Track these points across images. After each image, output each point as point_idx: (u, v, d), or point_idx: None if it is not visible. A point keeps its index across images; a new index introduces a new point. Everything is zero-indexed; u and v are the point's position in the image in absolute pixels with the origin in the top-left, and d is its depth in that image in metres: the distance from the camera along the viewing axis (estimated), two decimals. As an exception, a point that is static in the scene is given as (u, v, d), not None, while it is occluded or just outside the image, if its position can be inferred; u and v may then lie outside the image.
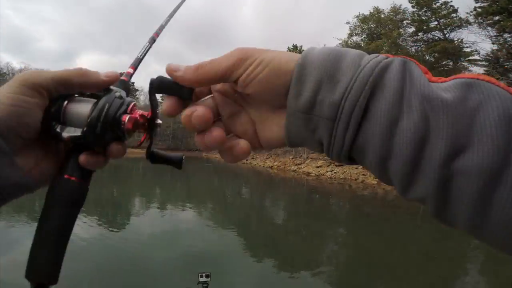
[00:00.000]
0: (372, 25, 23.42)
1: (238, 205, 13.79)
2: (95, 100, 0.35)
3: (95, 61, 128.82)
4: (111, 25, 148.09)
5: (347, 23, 24.64)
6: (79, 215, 0.38)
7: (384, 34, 21.86)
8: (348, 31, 25.08)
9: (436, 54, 21.39)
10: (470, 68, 22.06)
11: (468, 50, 21.34)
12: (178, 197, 15.87)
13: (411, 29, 23.61)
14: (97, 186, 17.77)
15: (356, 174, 19.73)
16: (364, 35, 24.55)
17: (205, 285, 0.83)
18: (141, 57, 0.52)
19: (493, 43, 19.92)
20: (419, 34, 23.41)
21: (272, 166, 32.25)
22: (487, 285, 5.50)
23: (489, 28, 19.47)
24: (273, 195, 16.92)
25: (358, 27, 24.13)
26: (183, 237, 7.99)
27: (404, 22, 23.83)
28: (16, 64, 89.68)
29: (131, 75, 0.48)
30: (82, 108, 0.35)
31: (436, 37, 22.68)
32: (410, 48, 24.20)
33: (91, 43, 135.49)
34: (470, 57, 21.80)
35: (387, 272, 5.80)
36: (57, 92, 0.34)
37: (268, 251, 6.79)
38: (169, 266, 5.62)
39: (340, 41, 24.75)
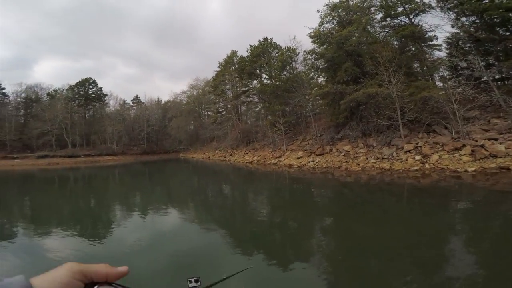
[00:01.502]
0: (342, 13, 23.57)
1: (220, 203, 13.53)
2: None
3: (56, 68, 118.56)
4: (70, 28, 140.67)
5: (318, 11, 24.76)
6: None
7: (355, 20, 22.05)
8: (319, 19, 25.10)
9: (403, 39, 21.83)
10: (432, 52, 22.98)
11: (431, 34, 22.12)
12: (159, 199, 15.39)
13: (379, 15, 24.11)
14: (75, 197, 17.15)
15: (339, 162, 19.78)
16: (335, 23, 24.68)
17: None
18: None
19: (452, 27, 20.76)
20: (387, 19, 23.91)
21: (251, 161, 31.89)
22: (475, 255, 5.47)
23: (449, 12, 20.20)
24: (255, 190, 16.63)
25: (328, 15, 24.23)
26: (167, 240, 7.79)
27: (372, 8, 24.25)
28: None
29: None
30: None
31: (403, 22, 23.27)
32: (378, 34, 24.69)
33: (50, 49, 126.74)
34: (430, 42, 22.61)
35: (378, 253, 5.70)
36: (90, 279, 0.51)
37: (255, 247, 6.61)
38: (156, 272, 5.45)
39: (311, 30, 24.75)
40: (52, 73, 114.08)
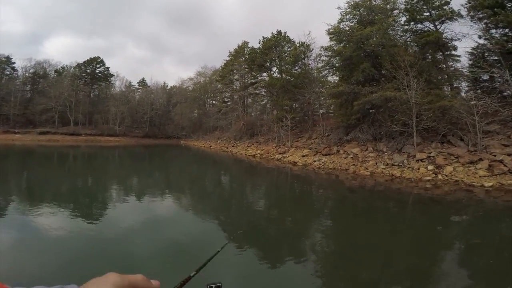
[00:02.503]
0: (363, 12, 22.88)
1: (217, 194, 13.32)
2: None
3: (68, 45, 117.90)
4: (83, 4, 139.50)
5: (338, 8, 24.06)
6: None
7: (377, 20, 21.39)
8: (339, 16, 24.41)
9: (426, 45, 21.13)
10: (450, 62, 22.35)
11: (454, 43, 21.51)
12: (157, 184, 15.36)
13: (403, 19, 23.41)
14: (73, 175, 16.99)
15: (346, 164, 19.29)
16: (355, 21, 23.98)
17: None
18: None
19: (479, 37, 20.06)
20: (410, 23, 23.22)
21: (254, 155, 31.39)
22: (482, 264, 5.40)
23: (480, 22, 19.50)
24: (256, 184, 16.26)
25: (349, 13, 23.53)
26: (161, 226, 7.71)
27: (395, 11, 23.51)
28: None
29: None
30: None
31: (426, 28, 22.58)
32: (399, 38, 23.98)
33: (63, 25, 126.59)
34: (453, 52, 22.00)
35: (374, 261, 5.51)
36: None
37: (248, 241, 6.39)
38: (147, 256, 5.47)
39: (329, 26, 24.08)
40: (62, 50, 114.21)
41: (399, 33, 24.07)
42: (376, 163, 17.64)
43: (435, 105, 16.21)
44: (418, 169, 15.00)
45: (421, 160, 15.59)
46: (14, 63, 60.09)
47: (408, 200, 11.39)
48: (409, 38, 23.47)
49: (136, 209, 9.43)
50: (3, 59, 57.88)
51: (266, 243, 6.58)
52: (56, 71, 63.67)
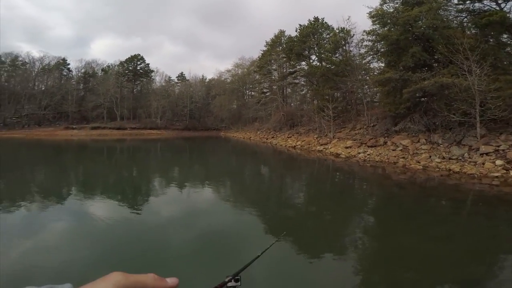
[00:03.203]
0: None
1: (255, 185, 13.38)
2: None
3: (109, 46, 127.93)
4: (120, 7, 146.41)
5: (380, -12, 22.20)
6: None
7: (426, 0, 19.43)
8: (381, -2, 22.57)
9: (488, 26, 18.64)
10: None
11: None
12: (197, 175, 15.97)
13: (457, -4, 20.95)
14: (120, 167, 18.11)
15: (395, 157, 18.06)
16: (399, 2, 22.05)
17: None
18: None
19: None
20: (466, 2, 20.74)
21: (295, 146, 30.84)
22: None
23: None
24: (296, 176, 16.03)
25: (393, -6, 21.67)
26: (200, 215, 8.10)
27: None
28: (36, 53, 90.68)
29: None
30: None
31: (487, 7, 20.03)
32: (453, 19, 21.59)
33: (103, 27, 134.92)
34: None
35: (418, 266, 5.08)
36: None
37: (286, 235, 6.34)
38: (184, 245, 5.84)
39: (371, 9, 22.43)
40: (105, 50, 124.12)
41: (452, 13, 21.72)
42: (430, 156, 16.29)
43: (506, 93, 14.38)
44: (483, 164, 13.53)
45: (487, 154, 14.05)
46: (68, 64, 65.85)
47: (467, 199, 10.30)
48: (465, 19, 21.04)
49: (176, 200, 9.88)
50: (61, 61, 63.44)
51: (304, 238, 6.48)
52: (102, 69, 68.12)
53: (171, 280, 0.50)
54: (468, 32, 19.44)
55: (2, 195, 10.09)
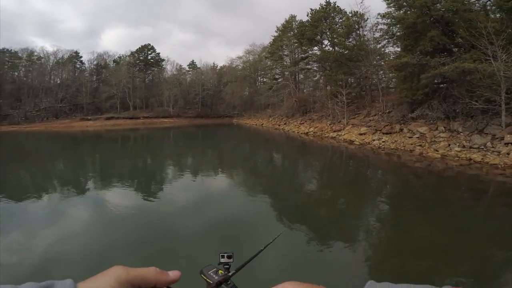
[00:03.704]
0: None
1: (267, 173, 13.39)
2: None
3: (120, 36, 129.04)
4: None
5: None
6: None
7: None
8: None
9: None
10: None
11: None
12: (210, 162, 16.25)
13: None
14: (134, 156, 18.58)
15: (411, 144, 17.65)
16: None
17: (226, 266, 0.78)
18: None
19: None
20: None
21: (307, 133, 30.60)
22: None
23: None
24: (308, 164, 16.01)
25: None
26: (212, 202, 8.30)
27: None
28: (49, 47, 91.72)
29: None
30: None
31: None
32: (474, 2, 20.37)
33: (113, 18, 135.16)
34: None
35: (432, 257, 4.97)
36: (139, 286, 0.46)
37: (296, 223, 6.63)
38: (195, 233, 5.95)
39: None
40: (116, 41, 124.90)
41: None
42: (449, 145, 15.87)
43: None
44: (508, 154, 13.07)
45: None
46: (81, 57, 66.36)
47: (488, 190, 10.01)
48: (488, 2, 19.91)
49: (188, 188, 10.09)
50: (73, 54, 64.25)
51: (315, 226, 6.51)
52: (114, 61, 68.37)
53: (173, 273, 0.51)
54: (493, 16, 18.39)
55: (27, 184, 10.91)
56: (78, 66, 66.05)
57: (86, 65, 66.87)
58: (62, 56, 62.77)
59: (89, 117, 55.76)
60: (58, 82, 60.94)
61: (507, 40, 15.05)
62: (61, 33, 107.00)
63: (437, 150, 15.82)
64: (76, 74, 63.96)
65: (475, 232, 6.25)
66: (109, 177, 12.05)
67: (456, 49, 18.51)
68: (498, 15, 18.20)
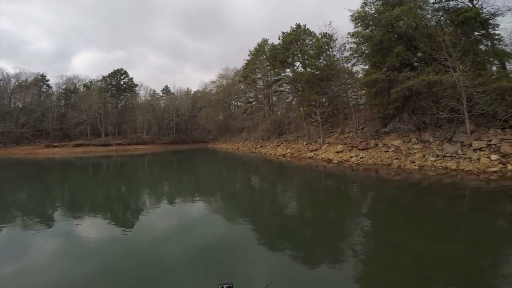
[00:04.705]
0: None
1: (247, 197, 12.87)
2: None
3: (91, 60, 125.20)
4: (102, 19, 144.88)
5: (360, -9, 22.28)
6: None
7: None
8: (361, 1, 22.70)
9: (463, 23, 18.81)
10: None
11: (499, 18, 19.06)
12: (187, 189, 15.36)
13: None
14: (107, 184, 17.23)
15: (388, 158, 17.75)
16: (379, 3, 22.17)
17: None
18: None
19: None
20: (442, 0, 21.07)
21: (284, 154, 30.30)
22: None
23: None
24: (288, 185, 15.46)
25: (372, -4, 21.79)
26: (192, 230, 7.77)
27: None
28: (10, 69, 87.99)
29: None
30: None
31: (460, 5, 20.36)
32: (431, 18, 21.84)
33: (84, 41, 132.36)
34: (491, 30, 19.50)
35: (418, 266, 4.96)
36: None
37: (284, 244, 6.43)
38: (179, 263, 5.59)
39: (352, 12, 22.47)
40: (88, 64, 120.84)
41: (430, 12, 22.05)
42: (424, 155, 16.04)
43: (491, 87, 14.32)
44: (479, 159, 13.29)
45: (480, 149, 13.85)
46: (48, 80, 64.19)
47: (466, 196, 10.04)
48: (442, 18, 21.33)
49: (166, 215, 9.52)
50: (39, 77, 61.65)
51: (299, 247, 6.26)
52: (85, 85, 66.75)
53: None
54: (447, 30, 19.60)
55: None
56: (44, 89, 63.56)
57: (54, 89, 64.72)
58: (26, 79, 60.36)
59: (55, 144, 52.97)
60: (20, 106, 58.10)
61: (461, 52, 15.87)
62: (27, 54, 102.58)
63: (413, 162, 15.92)
64: (42, 98, 61.27)
65: (459, 239, 6.26)
66: (81, 207, 10.95)
67: (417, 64, 19.29)
68: (450, 29, 19.42)
